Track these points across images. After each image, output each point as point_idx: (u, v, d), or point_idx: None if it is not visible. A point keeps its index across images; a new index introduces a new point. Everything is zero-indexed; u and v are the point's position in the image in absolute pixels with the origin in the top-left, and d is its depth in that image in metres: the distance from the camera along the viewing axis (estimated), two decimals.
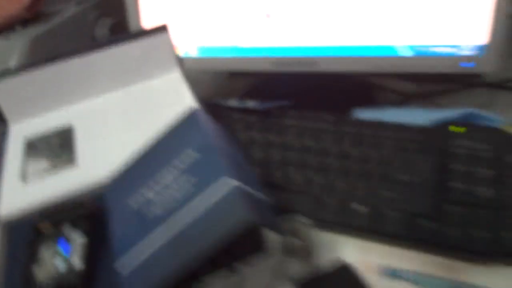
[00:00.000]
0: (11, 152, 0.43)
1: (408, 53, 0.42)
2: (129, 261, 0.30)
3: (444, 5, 0.40)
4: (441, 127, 0.42)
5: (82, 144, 0.43)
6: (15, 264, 0.34)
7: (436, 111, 0.45)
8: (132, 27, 0.51)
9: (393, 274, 0.34)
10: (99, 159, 0.41)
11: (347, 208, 0.38)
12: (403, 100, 0.52)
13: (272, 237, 0.32)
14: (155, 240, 0.30)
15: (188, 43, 0.50)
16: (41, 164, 0.42)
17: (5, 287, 0.33)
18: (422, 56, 0.41)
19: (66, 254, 0.33)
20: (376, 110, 0.47)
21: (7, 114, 0.46)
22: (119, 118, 0.45)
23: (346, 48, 0.44)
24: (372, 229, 0.36)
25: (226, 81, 0.60)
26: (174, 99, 0.44)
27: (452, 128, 0.42)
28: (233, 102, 0.51)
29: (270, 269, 0.32)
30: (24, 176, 0.41)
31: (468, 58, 0.41)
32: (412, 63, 0.42)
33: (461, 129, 0.41)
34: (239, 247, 0.29)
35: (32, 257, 0.33)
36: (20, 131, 0.46)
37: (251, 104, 0.50)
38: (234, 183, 0.28)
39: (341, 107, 0.47)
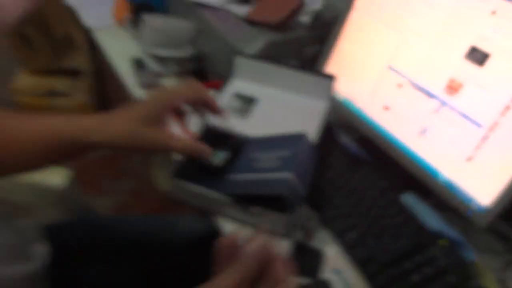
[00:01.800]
0: (224, 96, 0.81)
1: (442, 180, 0.64)
2: (235, 176, 0.65)
3: (472, 167, 0.60)
4: (436, 234, 0.64)
5: (255, 110, 0.78)
6: None
7: (446, 225, 0.66)
8: (317, 68, 0.82)
9: (337, 272, 0.61)
10: (257, 123, 0.75)
11: (346, 232, 0.65)
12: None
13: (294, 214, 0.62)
14: (247, 176, 0.63)
15: (342, 92, 0.80)
16: (234, 108, 0.80)
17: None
18: (448, 188, 0.63)
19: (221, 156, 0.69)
20: (418, 202, 0.70)
21: (236, 73, 0.84)
22: (278, 108, 0.78)
23: (411, 153, 0.68)
24: (348, 249, 0.63)
25: None
26: (308, 119, 0.75)
27: (441, 240, 0.63)
28: (346, 140, 0.79)
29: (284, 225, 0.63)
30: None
31: (472, 209, 0.61)
32: (441, 188, 0.64)
33: (442, 243, 0.63)
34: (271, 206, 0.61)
35: None
36: (234, 86, 0.83)
37: (352, 147, 0.77)
38: (289, 176, 0.59)
39: (406, 184, 0.72)
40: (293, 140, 0.67)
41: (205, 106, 0.62)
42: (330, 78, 0.77)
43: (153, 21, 0.95)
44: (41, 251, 0.65)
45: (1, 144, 0.53)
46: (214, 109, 0.63)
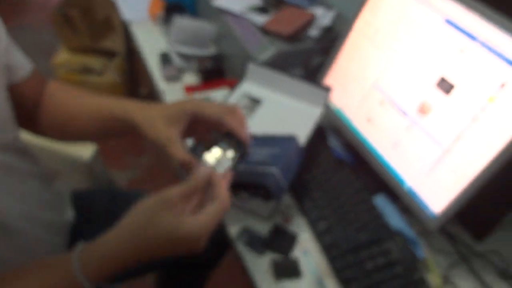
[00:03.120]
0: (234, 95, 0.94)
1: (406, 187, 0.75)
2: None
3: (431, 178, 0.71)
4: (395, 232, 0.76)
5: (259, 110, 0.91)
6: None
7: (406, 225, 0.78)
8: (319, 77, 0.94)
9: (305, 253, 0.74)
10: (259, 122, 0.88)
11: (319, 221, 0.77)
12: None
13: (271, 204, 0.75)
14: (241, 167, 0.76)
15: (335, 102, 0.91)
16: (242, 106, 0.92)
17: None
18: (410, 194, 0.74)
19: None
20: (386, 203, 0.81)
21: (247, 76, 0.96)
22: (279, 110, 0.91)
23: (385, 161, 0.79)
24: (317, 236, 0.76)
25: None
26: (303, 122, 0.87)
27: (397, 237, 0.75)
28: (334, 143, 0.91)
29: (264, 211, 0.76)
30: None
31: (425, 214, 0.72)
32: (405, 194, 0.75)
33: (398, 240, 0.74)
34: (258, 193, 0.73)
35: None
36: (244, 87, 0.96)
37: (338, 150, 0.89)
38: (274, 170, 0.71)
39: (380, 187, 0.83)
40: (285, 140, 0.79)
41: (232, 132, 0.67)
42: (326, 89, 0.89)
43: (181, 21, 1.08)
44: (70, 211, 0.81)
45: (69, 116, 0.71)
46: (240, 138, 0.67)
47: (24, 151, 0.68)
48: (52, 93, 0.74)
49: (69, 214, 0.80)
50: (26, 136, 0.80)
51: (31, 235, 0.65)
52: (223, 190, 0.54)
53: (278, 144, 0.78)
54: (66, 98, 0.73)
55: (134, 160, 1.94)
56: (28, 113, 0.71)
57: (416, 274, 0.70)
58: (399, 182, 0.77)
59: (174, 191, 0.51)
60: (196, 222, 0.49)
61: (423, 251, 0.74)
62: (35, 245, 0.66)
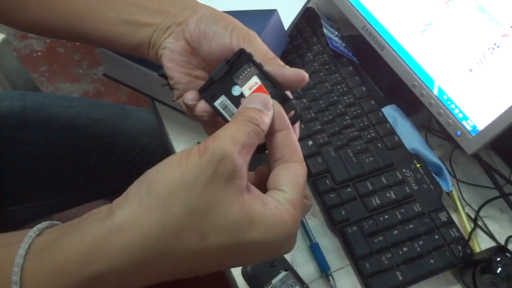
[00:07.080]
0: None
1: (437, 91, 0.51)
2: None
3: (476, 88, 0.47)
4: (412, 156, 0.53)
5: None
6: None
7: (427, 147, 0.55)
8: None
9: None
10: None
11: (307, 139, 0.54)
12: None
13: None
14: None
15: None
16: None
17: None
18: (442, 101, 0.50)
19: None
20: (399, 116, 0.58)
21: None
22: None
23: (407, 55, 0.54)
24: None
25: None
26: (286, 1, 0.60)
27: (414, 160, 0.52)
28: (331, 34, 0.65)
29: None
30: None
31: (462, 129, 0.49)
32: (434, 101, 0.51)
33: (416, 167, 0.52)
34: None
35: None
36: None
37: (337, 42, 0.63)
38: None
39: (392, 93, 0.60)
40: (262, 17, 0.53)
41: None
42: None
43: None
44: None
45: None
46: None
47: None
48: None
49: None
50: None
51: None
52: (298, 149, 0.30)
53: (250, 21, 0.52)
54: None
55: (89, 72, 1.64)
56: None
57: (441, 215, 0.48)
58: (426, 82, 0.53)
59: (230, 139, 0.25)
60: (286, 206, 0.27)
61: (451, 183, 0.52)
62: None
